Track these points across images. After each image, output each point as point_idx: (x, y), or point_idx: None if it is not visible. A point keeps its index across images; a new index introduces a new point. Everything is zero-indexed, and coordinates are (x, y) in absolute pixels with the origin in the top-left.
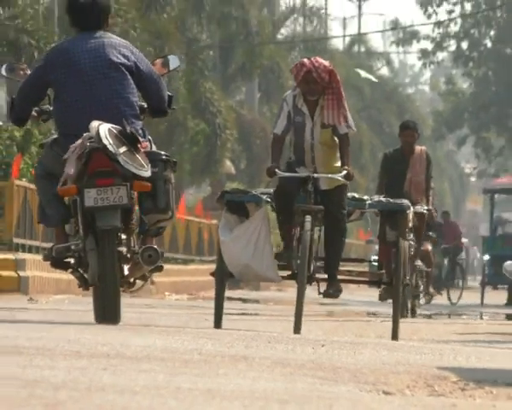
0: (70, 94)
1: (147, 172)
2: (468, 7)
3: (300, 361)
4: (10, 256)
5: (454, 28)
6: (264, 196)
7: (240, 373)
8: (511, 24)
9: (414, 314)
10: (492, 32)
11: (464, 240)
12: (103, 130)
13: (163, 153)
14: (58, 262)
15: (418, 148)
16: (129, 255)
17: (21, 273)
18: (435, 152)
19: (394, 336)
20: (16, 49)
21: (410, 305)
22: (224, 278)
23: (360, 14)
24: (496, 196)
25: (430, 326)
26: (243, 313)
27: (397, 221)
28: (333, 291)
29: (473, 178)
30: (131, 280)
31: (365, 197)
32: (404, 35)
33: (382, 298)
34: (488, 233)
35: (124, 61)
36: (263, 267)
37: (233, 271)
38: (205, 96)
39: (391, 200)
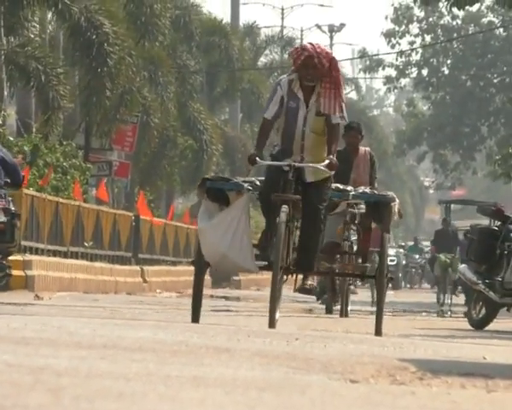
0: None
1: (1, 219)
2: (427, 38)
3: (276, 353)
4: (19, 257)
5: (415, 57)
6: (246, 185)
7: (222, 363)
8: (466, 53)
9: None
10: (449, 61)
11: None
12: None
13: (13, 209)
14: None
15: (362, 149)
16: None
17: (28, 272)
18: (398, 167)
19: (378, 332)
20: (26, 73)
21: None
22: (202, 266)
23: (332, 44)
24: (452, 206)
25: (392, 322)
26: (226, 310)
27: (381, 214)
28: (308, 286)
29: (431, 191)
30: None
31: (349, 188)
32: (371, 63)
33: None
34: None
35: None
36: (240, 257)
37: (210, 260)
38: (193, 115)
39: (375, 191)
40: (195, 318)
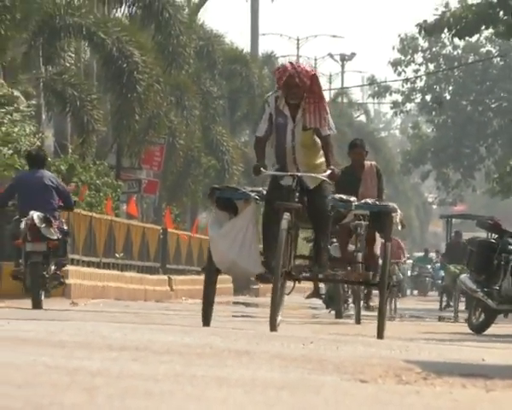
0: (24, 199)
1: (55, 237)
2: (431, 66)
3: (293, 355)
4: None
5: (419, 84)
6: (253, 194)
7: (243, 365)
8: (466, 81)
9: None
10: (451, 87)
11: (432, 254)
12: (36, 215)
13: (65, 228)
14: (16, 276)
15: (368, 163)
16: (47, 275)
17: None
18: (404, 184)
19: (380, 335)
20: (63, 99)
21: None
22: (212, 273)
23: (343, 72)
24: (453, 220)
25: (398, 327)
26: (246, 315)
27: (383, 223)
28: (318, 267)
29: (434, 206)
30: (48, 287)
31: (352, 199)
32: (379, 89)
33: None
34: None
35: (51, 184)
36: (250, 264)
37: (220, 266)
38: (216, 137)
39: (377, 202)
40: (206, 321)
